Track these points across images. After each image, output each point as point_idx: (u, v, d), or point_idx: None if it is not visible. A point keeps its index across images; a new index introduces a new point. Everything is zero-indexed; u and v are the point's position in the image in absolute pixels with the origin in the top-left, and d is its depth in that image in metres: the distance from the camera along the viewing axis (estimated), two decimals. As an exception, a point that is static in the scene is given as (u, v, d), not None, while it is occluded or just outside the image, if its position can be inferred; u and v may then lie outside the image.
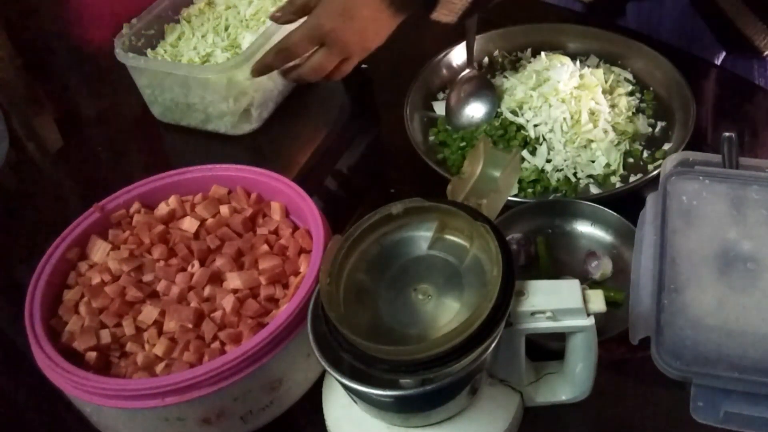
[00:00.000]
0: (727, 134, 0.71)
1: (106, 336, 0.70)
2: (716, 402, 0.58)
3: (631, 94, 0.95)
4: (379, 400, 0.61)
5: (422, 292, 0.59)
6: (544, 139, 0.89)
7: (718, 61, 1.05)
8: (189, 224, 0.78)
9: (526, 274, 0.80)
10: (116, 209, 0.80)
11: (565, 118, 0.89)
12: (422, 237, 0.62)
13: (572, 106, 0.89)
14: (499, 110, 0.94)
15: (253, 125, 1.02)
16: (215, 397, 0.64)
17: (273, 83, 1.02)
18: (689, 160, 0.71)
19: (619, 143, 0.89)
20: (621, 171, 0.88)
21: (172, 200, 0.80)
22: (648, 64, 0.97)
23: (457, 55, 1.02)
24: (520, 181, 0.87)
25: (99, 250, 0.77)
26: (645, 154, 0.89)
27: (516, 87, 0.94)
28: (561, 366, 0.67)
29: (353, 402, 0.64)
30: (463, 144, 0.91)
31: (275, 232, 0.78)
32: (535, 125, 0.90)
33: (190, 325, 0.69)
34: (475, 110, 0.94)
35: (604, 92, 0.91)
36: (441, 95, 1.00)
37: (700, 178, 0.68)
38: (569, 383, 0.67)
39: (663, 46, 0.98)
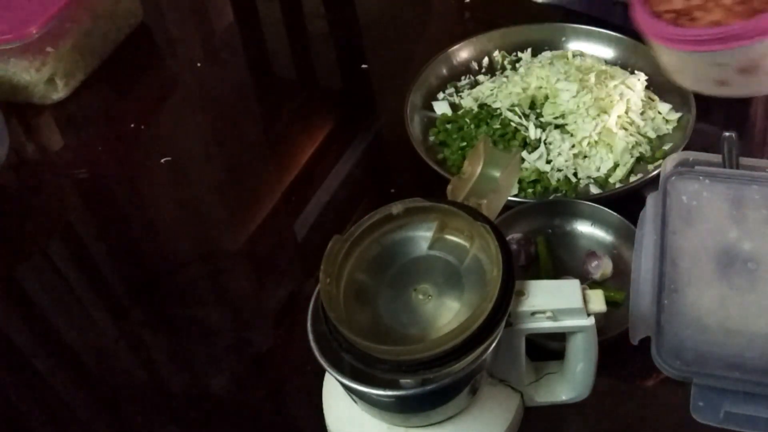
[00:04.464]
0: (727, 134, 0.71)
1: (679, 3, 0.80)
2: (716, 402, 0.58)
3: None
4: (380, 400, 0.61)
5: (422, 292, 0.59)
6: (570, 135, 0.89)
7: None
8: None
9: (526, 274, 0.80)
10: None
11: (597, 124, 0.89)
12: (422, 237, 0.62)
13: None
14: (499, 110, 0.94)
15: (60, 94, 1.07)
16: (753, 49, 0.74)
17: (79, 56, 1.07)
18: (689, 160, 0.71)
19: (634, 146, 0.88)
20: (628, 174, 0.87)
21: None
22: (648, 64, 0.97)
23: (457, 54, 1.02)
24: (520, 181, 0.87)
25: None
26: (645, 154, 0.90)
27: (563, 93, 0.93)
28: (561, 366, 0.67)
29: (353, 402, 0.64)
30: (463, 144, 0.91)
31: None
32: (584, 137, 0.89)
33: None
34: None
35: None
36: (441, 95, 1.00)
37: (700, 178, 0.68)
38: (569, 383, 0.67)
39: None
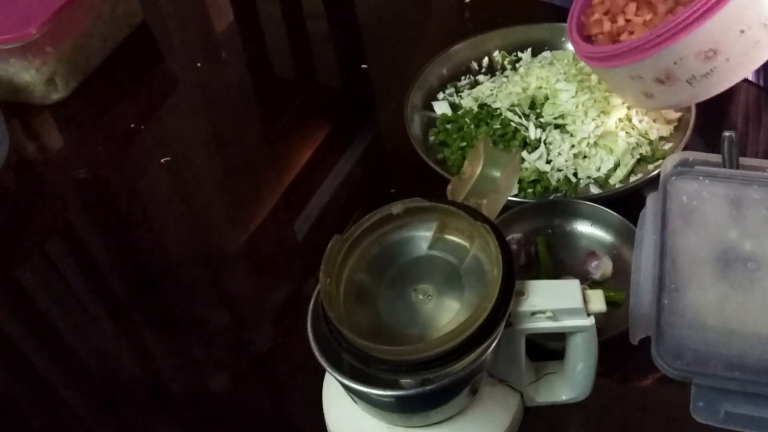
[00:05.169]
0: (727, 133, 0.71)
1: (608, 26, 0.84)
2: (716, 402, 0.58)
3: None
4: (380, 400, 0.61)
5: (422, 292, 0.59)
6: (570, 136, 0.89)
7: None
8: None
9: (526, 274, 0.80)
10: None
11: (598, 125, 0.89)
12: (422, 237, 0.62)
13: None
14: (499, 110, 0.94)
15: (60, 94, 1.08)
16: (659, 58, 0.76)
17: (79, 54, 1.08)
18: (689, 160, 0.71)
19: (635, 147, 0.88)
20: (629, 174, 0.87)
21: None
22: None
23: (457, 54, 1.02)
24: (520, 181, 0.87)
25: None
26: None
27: (562, 93, 0.93)
28: (561, 366, 0.67)
29: (353, 402, 0.64)
30: (463, 144, 0.91)
31: None
32: (583, 138, 0.89)
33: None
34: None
35: None
36: (441, 95, 1.00)
37: (700, 178, 0.68)
38: (569, 383, 0.67)
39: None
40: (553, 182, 0.87)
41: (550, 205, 0.84)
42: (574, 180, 0.87)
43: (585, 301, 0.60)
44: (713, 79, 0.77)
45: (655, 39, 0.75)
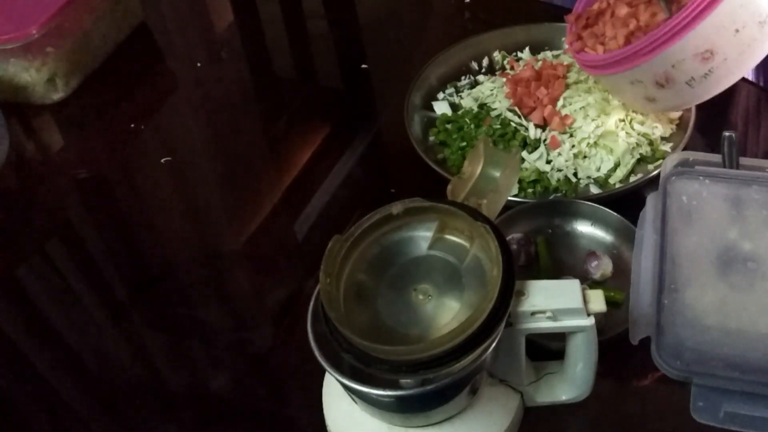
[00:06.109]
0: (727, 133, 0.71)
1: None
2: (716, 402, 0.58)
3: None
4: (380, 400, 0.61)
5: (422, 292, 0.59)
6: (570, 135, 0.89)
7: None
8: None
9: (526, 274, 0.80)
10: None
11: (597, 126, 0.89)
12: (422, 237, 0.62)
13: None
14: (498, 109, 0.94)
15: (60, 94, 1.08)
16: (656, 63, 0.77)
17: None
18: (689, 160, 0.71)
19: (635, 147, 0.88)
20: (629, 174, 0.87)
21: None
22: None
23: (457, 54, 1.02)
24: (520, 181, 0.87)
25: None
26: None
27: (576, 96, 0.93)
28: (561, 366, 0.67)
29: (353, 402, 0.64)
30: (463, 144, 0.91)
31: None
32: (583, 138, 0.89)
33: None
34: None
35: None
36: (441, 95, 1.00)
37: (700, 178, 0.68)
38: (569, 383, 0.67)
39: None
40: (553, 182, 0.87)
41: (550, 205, 0.84)
42: (574, 180, 0.87)
43: (585, 301, 0.60)
44: (713, 80, 0.77)
45: (651, 44, 0.76)
